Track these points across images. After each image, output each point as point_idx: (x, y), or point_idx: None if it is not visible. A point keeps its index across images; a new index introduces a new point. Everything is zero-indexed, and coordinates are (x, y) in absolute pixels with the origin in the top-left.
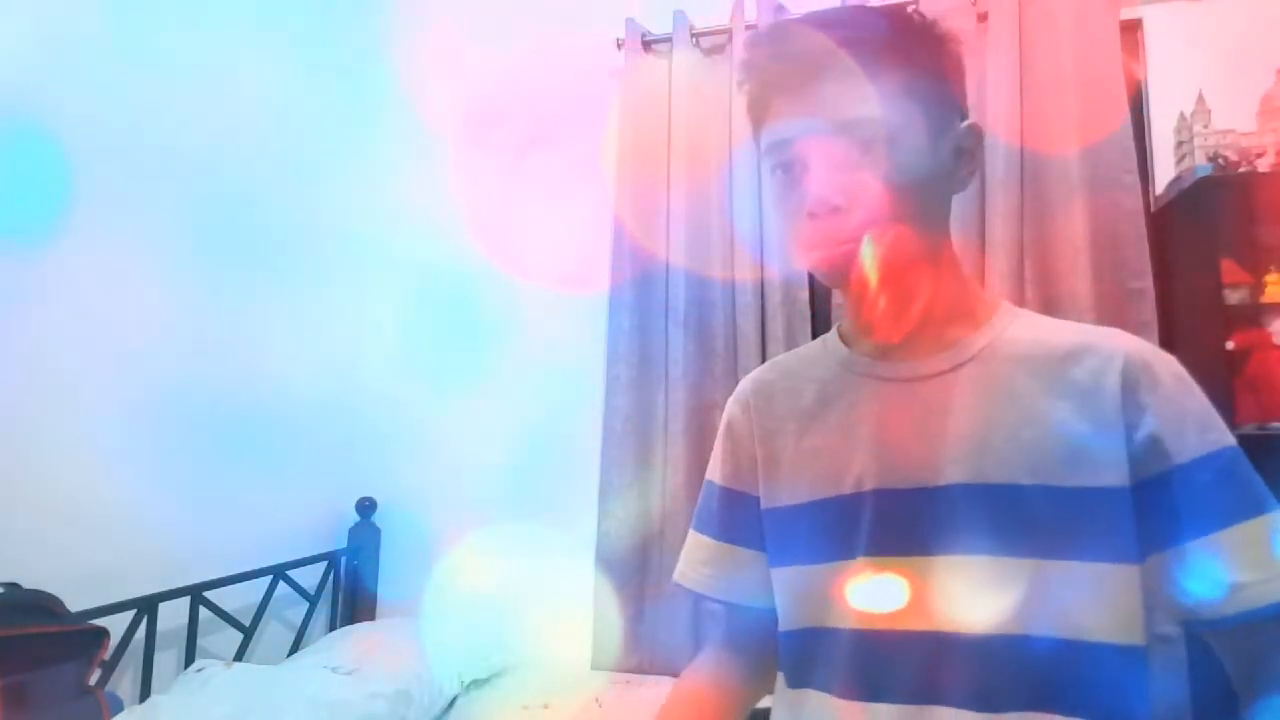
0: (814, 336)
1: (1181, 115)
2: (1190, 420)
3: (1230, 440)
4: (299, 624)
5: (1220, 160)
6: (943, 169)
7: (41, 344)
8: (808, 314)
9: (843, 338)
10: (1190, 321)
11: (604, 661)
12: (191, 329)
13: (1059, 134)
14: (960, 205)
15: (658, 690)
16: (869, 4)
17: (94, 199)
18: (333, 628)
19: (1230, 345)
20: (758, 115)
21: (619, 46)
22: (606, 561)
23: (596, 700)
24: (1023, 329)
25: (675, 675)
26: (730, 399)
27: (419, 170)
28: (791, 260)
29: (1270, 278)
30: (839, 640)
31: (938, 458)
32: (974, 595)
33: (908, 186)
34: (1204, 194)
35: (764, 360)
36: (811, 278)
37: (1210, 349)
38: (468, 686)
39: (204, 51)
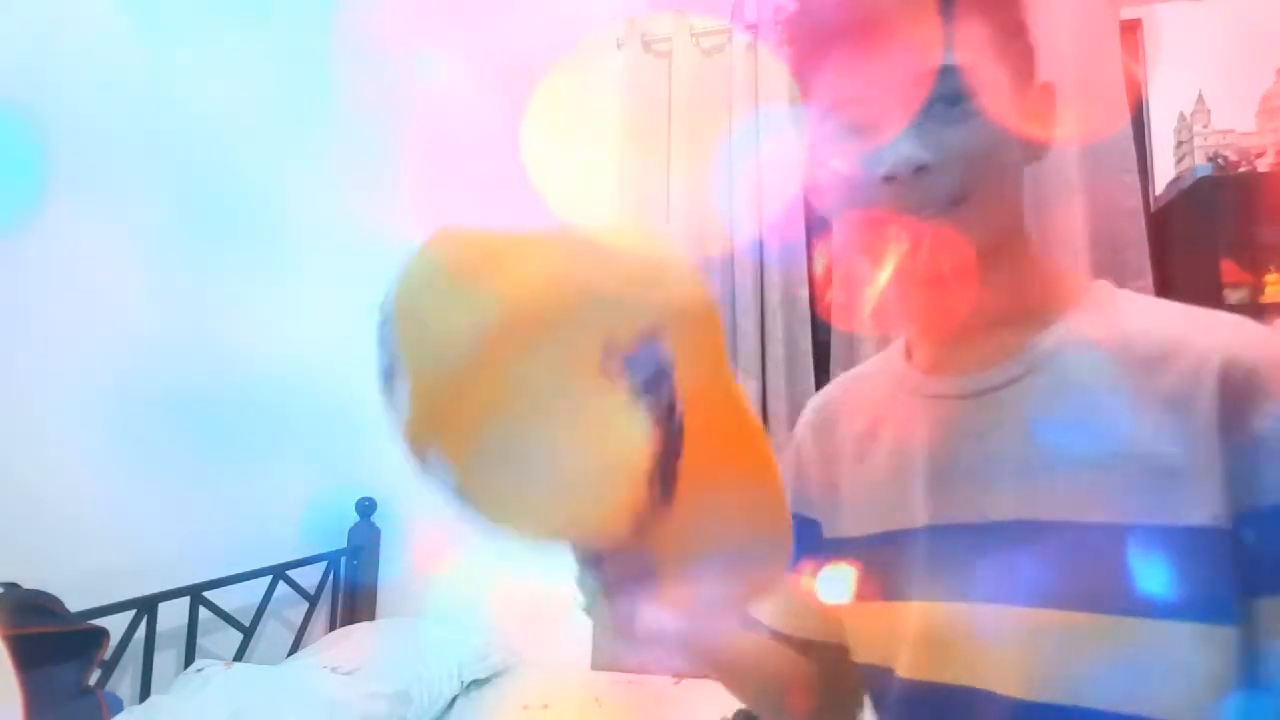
0: (814, 336)
1: (1181, 115)
2: None
3: None
4: (299, 624)
5: (1220, 160)
6: (1022, 134)
7: (37, 342)
8: (808, 314)
9: (906, 346)
10: None
11: (604, 661)
12: (187, 325)
13: (1059, 134)
14: None
15: (658, 690)
16: None
17: (68, 191)
18: (333, 628)
19: None
20: (811, 65)
21: (619, 46)
22: None
23: (596, 700)
24: (1104, 325)
25: (675, 675)
26: (801, 417)
27: (416, 169)
28: (855, 243)
29: (1270, 278)
30: (893, 684)
31: (990, 489)
32: (1025, 653)
33: (994, 150)
34: (1204, 194)
35: (764, 360)
36: (811, 275)
37: None
38: (468, 686)
39: (186, 37)
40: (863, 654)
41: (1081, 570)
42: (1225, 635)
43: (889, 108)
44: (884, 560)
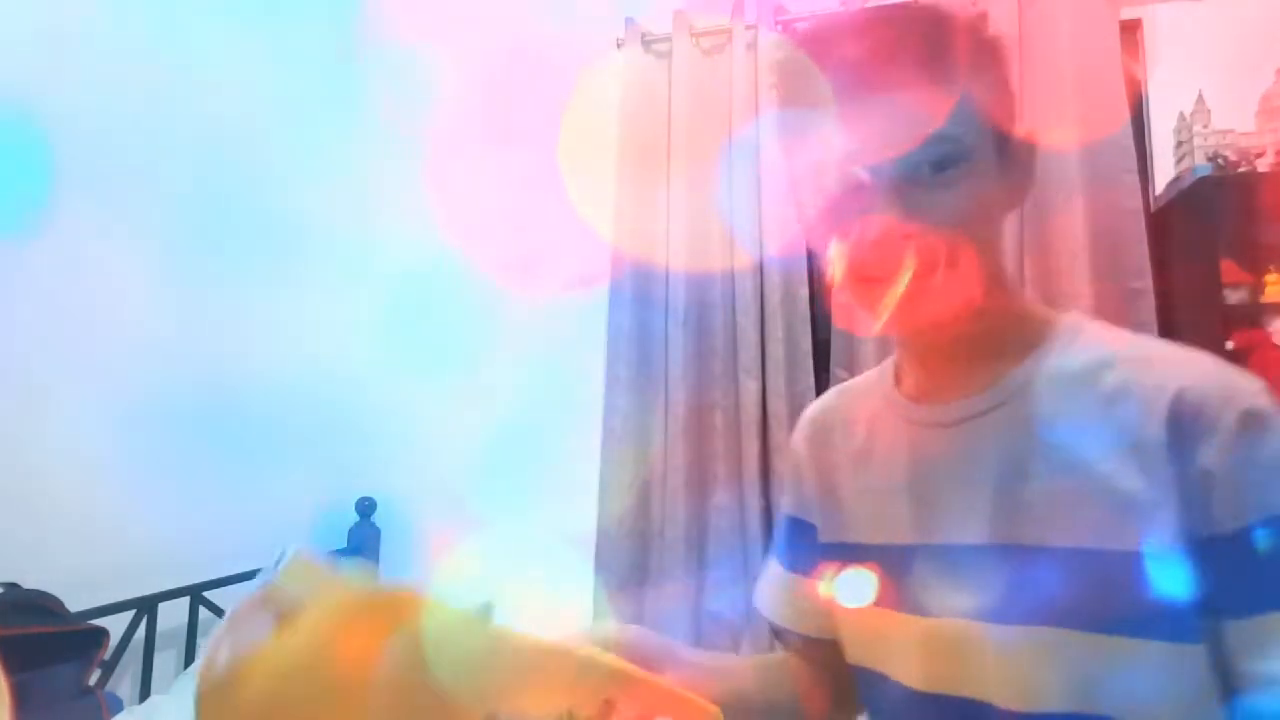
0: (814, 336)
1: (1181, 115)
2: (1253, 474)
3: None
4: None
5: (1220, 160)
6: (1005, 187)
7: (37, 342)
8: (808, 314)
9: (896, 368)
10: (1190, 321)
11: None
12: (187, 327)
13: (1059, 134)
14: None
15: None
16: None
17: (80, 191)
18: None
19: (1230, 345)
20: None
21: (619, 46)
22: (606, 561)
23: None
24: (1070, 359)
25: None
26: (796, 427)
27: (416, 168)
28: (840, 290)
29: (1270, 278)
30: (891, 690)
31: (967, 514)
32: (1018, 668)
33: (979, 210)
34: (1204, 194)
35: (764, 360)
36: (812, 276)
37: (1210, 349)
38: None
39: (194, 43)
40: (856, 655)
41: (1057, 590)
42: (1194, 653)
43: (878, 172)
44: (880, 569)
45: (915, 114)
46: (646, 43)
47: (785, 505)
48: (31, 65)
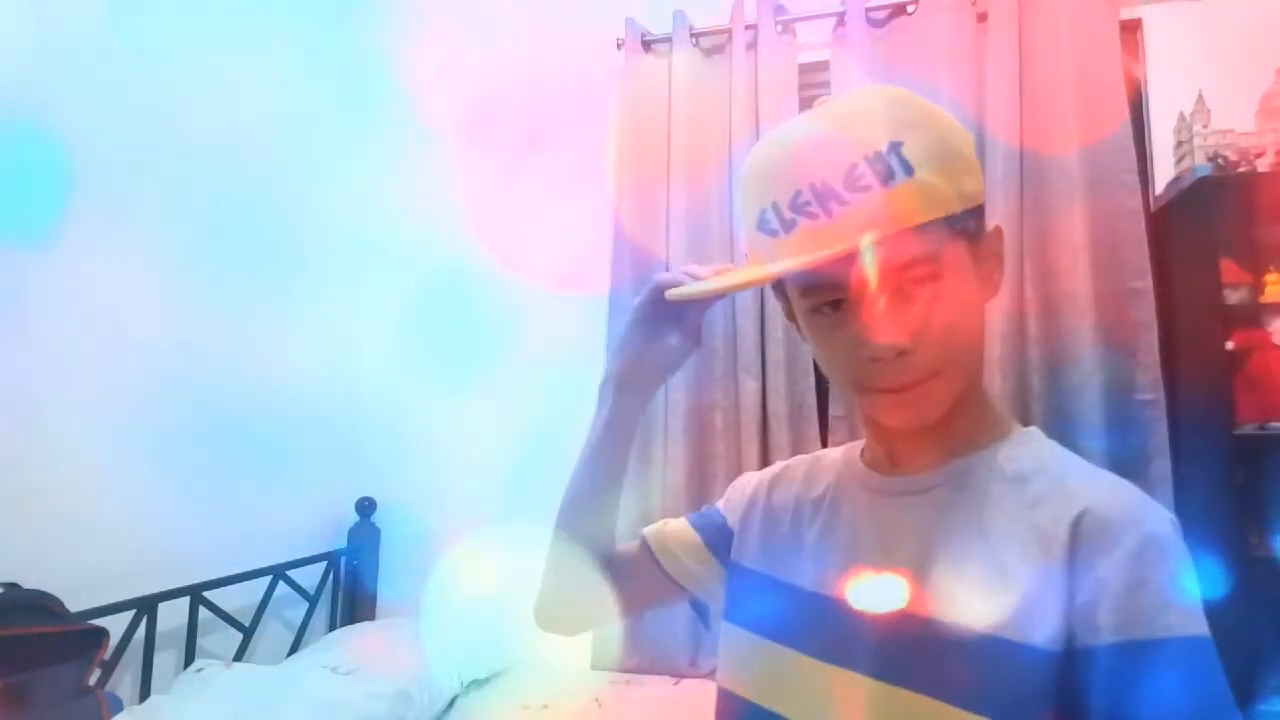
0: None
1: (1181, 115)
2: (1142, 596)
3: (1193, 629)
4: (299, 624)
5: (1220, 160)
6: (982, 279)
7: (41, 344)
8: None
9: (864, 445)
10: (1190, 321)
11: (604, 661)
12: (190, 329)
13: (1059, 134)
14: None
15: (658, 690)
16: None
17: (93, 200)
18: (332, 628)
19: (1230, 345)
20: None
21: (619, 46)
22: None
23: (596, 700)
24: (1013, 460)
25: (675, 675)
26: (765, 470)
27: (419, 170)
28: (846, 395)
29: (1270, 277)
30: (745, 711)
31: (883, 577)
32: None
33: (963, 313)
34: (1204, 194)
35: (764, 360)
36: None
37: (1210, 349)
38: (468, 686)
39: (204, 52)
40: (736, 685)
41: (940, 663)
42: None
43: (868, 297)
44: (785, 607)
45: (894, 242)
46: (646, 43)
47: (720, 504)
48: (48, 73)
